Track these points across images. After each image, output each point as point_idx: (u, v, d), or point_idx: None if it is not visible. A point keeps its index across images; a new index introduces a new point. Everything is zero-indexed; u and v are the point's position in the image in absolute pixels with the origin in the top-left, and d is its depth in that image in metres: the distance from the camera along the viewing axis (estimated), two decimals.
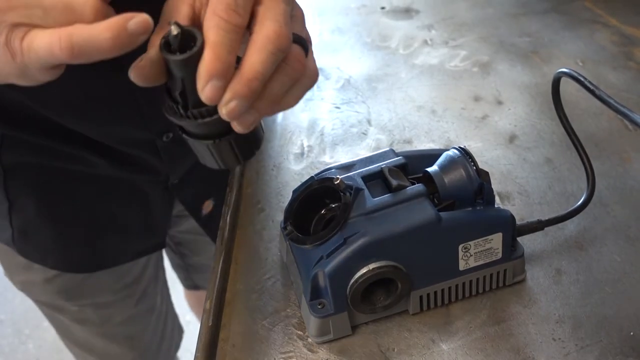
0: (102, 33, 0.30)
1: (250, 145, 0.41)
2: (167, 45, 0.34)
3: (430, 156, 0.53)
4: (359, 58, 0.88)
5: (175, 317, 0.99)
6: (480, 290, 0.51)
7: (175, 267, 1.05)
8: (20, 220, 0.60)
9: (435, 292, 0.50)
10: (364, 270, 0.46)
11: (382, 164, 0.51)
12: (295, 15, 0.39)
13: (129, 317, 0.80)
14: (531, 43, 0.87)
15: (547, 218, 0.54)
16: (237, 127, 0.36)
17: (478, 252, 0.49)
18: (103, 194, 0.66)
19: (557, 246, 0.55)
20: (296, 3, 0.40)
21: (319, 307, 0.47)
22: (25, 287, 0.72)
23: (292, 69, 0.36)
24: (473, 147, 0.68)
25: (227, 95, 0.33)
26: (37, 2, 0.30)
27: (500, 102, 0.76)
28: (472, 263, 0.49)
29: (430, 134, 0.72)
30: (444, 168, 0.50)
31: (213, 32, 0.33)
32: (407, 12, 0.99)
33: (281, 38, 0.34)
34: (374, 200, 0.47)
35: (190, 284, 1.07)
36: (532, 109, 0.74)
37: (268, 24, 0.34)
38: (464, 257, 0.49)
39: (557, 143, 0.68)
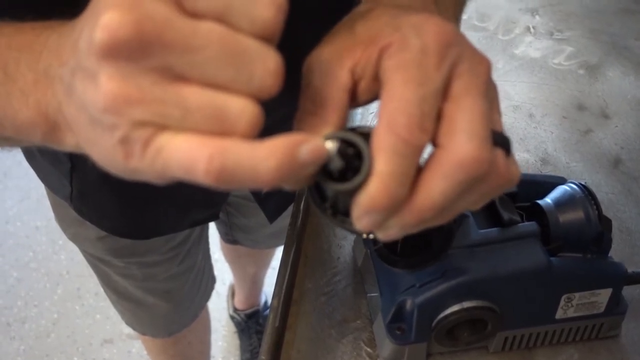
0: (264, 159, 0.22)
1: None
2: (324, 169, 0.26)
3: (540, 184, 0.48)
4: None
5: (211, 269, 0.98)
6: (570, 339, 0.47)
7: (217, 221, 1.02)
8: (80, 182, 0.57)
9: (523, 335, 0.46)
10: (456, 307, 0.42)
11: None
12: (493, 100, 0.28)
13: (170, 275, 0.79)
14: None
15: None
16: (379, 236, 0.27)
17: (581, 303, 0.44)
18: None
19: None
20: (490, 79, 0.28)
21: (398, 332, 0.44)
22: (75, 238, 0.70)
23: (488, 185, 0.26)
24: (572, 166, 0.62)
25: (389, 224, 0.26)
26: (177, 99, 0.22)
27: (606, 116, 0.69)
28: (571, 313, 0.45)
29: (526, 141, 0.66)
30: (560, 205, 0.45)
31: (386, 159, 0.24)
32: None
33: (477, 164, 0.24)
34: (480, 232, 0.43)
35: (229, 239, 1.05)
36: None
37: (461, 139, 0.24)
38: (564, 307, 0.44)
39: None
